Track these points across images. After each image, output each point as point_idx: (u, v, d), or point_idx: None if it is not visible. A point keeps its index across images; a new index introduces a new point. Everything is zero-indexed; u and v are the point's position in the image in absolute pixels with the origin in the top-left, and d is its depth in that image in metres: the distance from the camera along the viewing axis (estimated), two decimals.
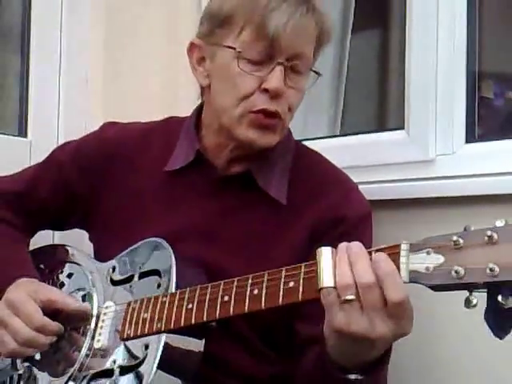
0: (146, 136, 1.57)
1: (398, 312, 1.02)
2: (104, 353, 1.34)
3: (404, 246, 1.02)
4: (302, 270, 1.11)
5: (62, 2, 2.07)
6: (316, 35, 1.41)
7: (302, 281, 1.10)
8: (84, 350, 1.36)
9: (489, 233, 0.96)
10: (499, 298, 0.95)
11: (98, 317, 1.39)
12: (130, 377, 1.27)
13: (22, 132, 2.07)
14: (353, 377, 1.14)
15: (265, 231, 1.42)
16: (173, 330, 1.25)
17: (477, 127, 1.72)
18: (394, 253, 1.03)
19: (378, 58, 2.68)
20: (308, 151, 1.56)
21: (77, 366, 1.35)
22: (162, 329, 1.26)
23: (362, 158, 1.78)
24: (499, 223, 0.97)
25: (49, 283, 1.49)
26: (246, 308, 1.15)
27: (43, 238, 1.69)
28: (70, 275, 1.51)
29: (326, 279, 1.05)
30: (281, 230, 1.42)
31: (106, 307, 1.39)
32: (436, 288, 1.00)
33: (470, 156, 1.64)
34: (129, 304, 1.33)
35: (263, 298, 1.13)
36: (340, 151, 1.74)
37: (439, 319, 1.61)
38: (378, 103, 2.67)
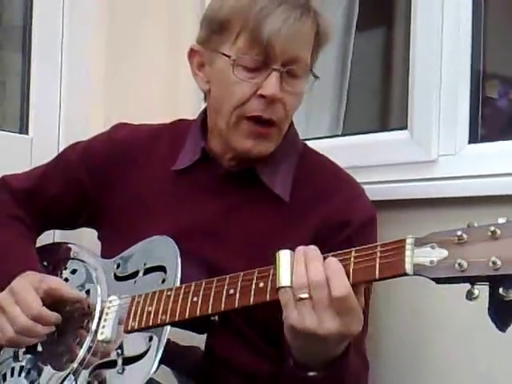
0: (154, 137, 1.59)
1: (343, 309, 1.09)
2: (107, 345, 1.34)
3: (409, 241, 1.06)
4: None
5: (64, 0, 2.06)
6: (313, 37, 1.42)
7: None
8: (87, 343, 1.37)
9: (492, 228, 0.99)
10: (500, 290, 0.98)
11: (101, 310, 1.39)
12: (133, 367, 1.28)
13: (23, 129, 2.07)
14: (311, 374, 1.20)
15: (268, 229, 1.43)
16: (177, 322, 1.27)
17: (480, 128, 1.71)
18: (399, 247, 1.06)
19: (382, 58, 2.67)
20: (314, 153, 1.56)
21: (79, 358, 1.36)
22: (167, 321, 1.27)
23: (365, 158, 1.78)
24: (501, 220, 1.00)
25: None
26: (252, 301, 1.18)
27: (44, 236, 1.69)
28: (73, 271, 1.52)
29: (284, 279, 1.12)
30: (284, 229, 1.42)
31: (110, 301, 1.40)
32: (439, 281, 1.03)
33: (472, 157, 1.63)
34: (133, 298, 1.34)
35: (268, 291, 1.16)
36: (342, 151, 1.73)
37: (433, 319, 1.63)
38: (381, 103, 2.66)
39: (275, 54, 1.35)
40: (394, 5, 2.69)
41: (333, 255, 1.12)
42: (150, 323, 1.29)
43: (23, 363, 1.44)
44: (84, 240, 1.67)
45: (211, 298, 1.23)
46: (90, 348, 1.36)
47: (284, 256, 1.13)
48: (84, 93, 2.09)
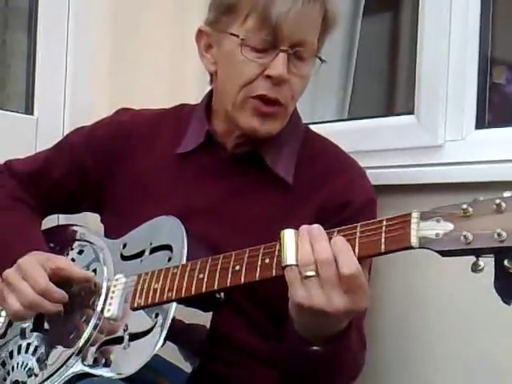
0: (158, 121, 1.60)
1: (351, 286, 1.09)
2: (114, 322, 1.35)
3: (415, 214, 1.06)
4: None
5: None
6: (320, 22, 1.43)
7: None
8: (94, 320, 1.38)
9: (497, 201, 1.00)
10: (506, 262, 0.99)
11: (107, 289, 1.40)
12: (139, 342, 1.29)
13: (29, 109, 2.07)
14: (314, 348, 1.22)
15: (272, 211, 1.44)
16: (183, 298, 1.28)
17: (487, 113, 1.70)
18: (405, 221, 1.06)
19: (389, 42, 2.66)
20: (317, 136, 1.58)
21: (86, 335, 1.37)
22: (173, 297, 1.28)
23: (371, 143, 1.77)
24: (507, 194, 1.01)
25: None
26: (257, 276, 1.19)
27: (48, 220, 1.70)
28: (80, 252, 1.53)
29: (290, 257, 1.12)
30: (287, 211, 1.43)
31: (117, 279, 1.41)
32: (444, 253, 1.03)
33: (479, 142, 1.63)
34: (139, 275, 1.36)
35: (274, 267, 1.17)
36: (348, 135, 1.73)
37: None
38: (387, 88, 2.65)
39: (283, 36, 1.37)
40: None
41: (338, 230, 1.13)
42: (156, 300, 1.30)
43: (30, 341, 1.44)
44: (88, 224, 1.67)
45: (217, 274, 1.24)
46: (96, 325, 1.37)
47: (288, 234, 1.14)
48: (89, 73, 2.09)
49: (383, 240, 1.07)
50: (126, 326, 1.33)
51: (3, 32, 2.19)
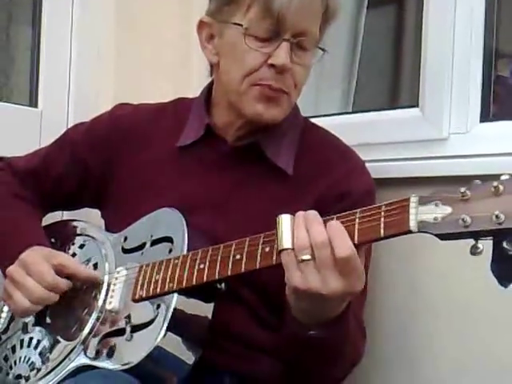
0: (156, 115, 1.60)
1: (346, 269, 1.11)
2: (115, 315, 1.36)
3: (413, 199, 1.07)
4: None
5: None
6: (322, 12, 1.43)
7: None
8: (96, 313, 1.39)
9: (495, 184, 1.00)
10: (504, 243, 0.99)
11: (109, 281, 1.41)
12: (141, 334, 1.29)
13: (33, 102, 2.07)
14: (312, 332, 1.23)
15: (272, 202, 1.44)
16: (184, 289, 1.28)
17: (492, 106, 1.70)
18: (403, 205, 1.07)
19: (393, 35, 2.65)
20: (315, 127, 1.59)
21: (88, 328, 1.38)
22: (174, 288, 1.29)
23: (375, 136, 1.77)
24: (504, 177, 1.02)
25: None
26: (258, 265, 1.20)
27: (51, 216, 1.70)
28: (81, 246, 1.54)
29: (286, 241, 1.13)
30: (288, 202, 1.43)
31: (118, 272, 1.42)
32: (443, 237, 1.04)
33: (483, 135, 1.63)
34: (141, 267, 1.37)
35: (274, 255, 1.18)
36: (352, 128, 1.73)
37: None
38: (392, 80, 2.65)
39: (286, 26, 1.37)
40: None
41: (338, 217, 1.14)
42: (158, 291, 1.31)
43: (32, 335, 1.45)
44: (91, 219, 1.67)
45: (218, 264, 1.25)
46: (98, 318, 1.38)
47: (284, 219, 1.15)
48: (93, 65, 2.09)
49: (382, 225, 1.08)
50: (128, 317, 1.33)
51: (7, 25, 2.18)
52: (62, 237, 1.58)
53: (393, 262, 1.66)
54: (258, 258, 1.20)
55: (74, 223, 1.62)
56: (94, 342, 1.35)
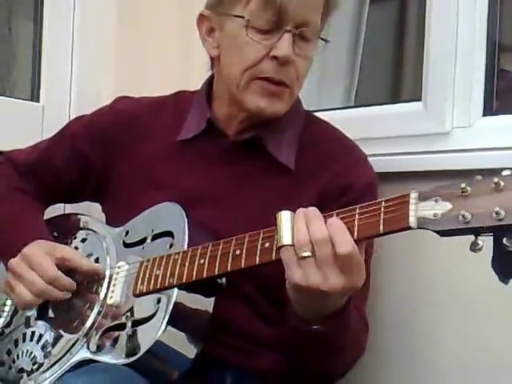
0: (157, 108, 1.59)
1: (347, 265, 1.10)
2: (116, 309, 1.36)
3: (413, 195, 1.06)
4: None
5: None
6: (323, 2, 1.43)
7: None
8: (97, 308, 1.39)
9: (495, 180, 0.99)
10: (504, 240, 0.99)
11: (110, 276, 1.41)
12: (142, 328, 1.29)
13: (35, 97, 2.06)
14: (313, 327, 1.22)
15: (273, 197, 1.43)
16: (185, 284, 1.28)
17: (495, 100, 1.70)
18: (403, 201, 1.06)
19: (396, 29, 2.64)
20: (317, 120, 1.58)
21: (90, 322, 1.38)
22: (174, 283, 1.29)
23: (378, 130, 1.76)
24: (505, 172, 1.00)
25: None
26: (257, 260, 1.20)
27: (54, 209, 1.70)
28: (83, 240, 1.54)
29: (285, 238, 1.13)
30: (289, 196, 1.43)
31: (119, 267, 1.42)
32: (443, 233, 1.03)
33: (487, 129, 1.62)
34: (141, 262, 1.36)
35: (274, 251, 1.17)
36: (355, 122, 1.72)
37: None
38: (394, 75, 2.64)
39: (288, 17, 1.36)
40: None
41: (337, 213, 1.13)
42: (158, 286, 1.31)
43: (34, 329, 1.45)
44: (92, 213, 1.67)
45: (218, 260, 1.25)
46: (99, 312, 1.38)
47: (284, 216, 1.14)
48: (95, 60, 2.09)
49: (382, 221, 1.08)
50: (129, 312, 1.34)
51: (9, 19, 2.18)
52: (64, 230, 1.58)
53: (395, 257, 1.66)
54: (258, 253, 1.20)
55: (76, 217, 1.61)
56: (95, 337, 1.35)
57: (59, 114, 2.00)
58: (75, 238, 1.55)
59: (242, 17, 1.38)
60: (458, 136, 1.65)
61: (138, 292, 1.34)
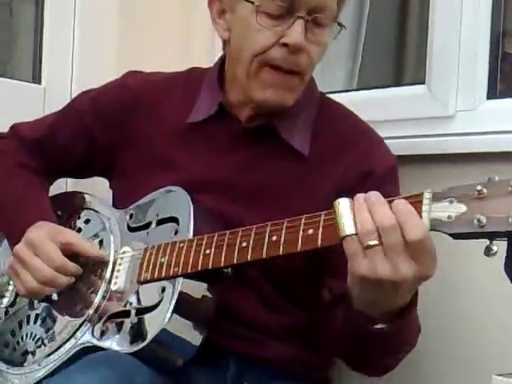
0: (167, 86, 1.55)
1: (419, 252, 1.02)
2: (120, 295, 1.35)
3: (427, 195, 1.02)
4: (322, 218, 1.12)
5: None
6: None
7: (321, 228, 1.11)
8: (101, 293, 1.38)
9: None
10: None
11: (114, 261, 1.40)
12: (146, 317, 1.28)
13: (36, 79, 2.06)
14: (378, 326, 1.14)
15: (286, 184, 1.41)
16: (190, 274, 1.27)
17: (499, 83, 1.69)
18: (416, 201, 1.03)
19: (399, 11, 2.62)
20: (332, 103, 1.54)
21: (94, 307, 1.37)
22: (179, 273, 1.27)
23: (381, 113, 1.75)
24: None
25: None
26: (264, 254, 1.17)
27: (56, 185, 1.69)
28: (87, 221, 1.52)
29: (348, 227, 1.04)
30: (303, 183, 1.40)
31: (123, 252, 1.40)
32: (457, 236, 1.00)
33: (491, 112, 1.62)
34: (146, 249, 1.35)
35: (281, 245, 1.15)
36: (357, 105, 1.70)
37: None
38: (397, 57, 2.63)
39: (300, 2, 1.30)
40: None
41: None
42: (163, 274, 1.30)
43: (39, 311, 1.45)
44: (96, 189, 1.66)
45: (224, 251, 1.23)
46: (103, 297, 1.37)
47: (343, 203, 1.06)
48: (97, 42, 2.08)
49: None
50: (133, 299, 1.32)
51: (11, 2, 2.17)
52: (67, 209, 1.56)
53: None
54: (265, 247, 1.17)
55: (80, 196, 1.59)
56: (99, 322, 1.34)
57: (61, 96, 1.98)
58: (79, 218, 1.54)
59: (252, 2, 1.33)
60: (461, 119, 1.64)
61: (142, 279, 1.32)
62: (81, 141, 1.57)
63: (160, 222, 1.38)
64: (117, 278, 1.37)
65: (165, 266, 1.29)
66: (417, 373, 1.65)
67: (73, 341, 1.36)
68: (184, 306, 1.27)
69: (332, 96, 1.78)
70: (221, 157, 1.44)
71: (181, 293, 1.27)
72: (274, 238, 1.17)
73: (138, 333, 1.28)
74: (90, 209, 1.54)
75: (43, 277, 1.36)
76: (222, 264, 1.23)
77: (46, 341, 1.40)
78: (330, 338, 1.34)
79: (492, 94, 1.66)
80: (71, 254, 1.39)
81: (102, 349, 1.30)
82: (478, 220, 0.97)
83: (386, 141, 1.54)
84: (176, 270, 1.28)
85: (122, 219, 1.46)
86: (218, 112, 1.45)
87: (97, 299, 1.37)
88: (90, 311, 1.37)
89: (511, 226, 0.95)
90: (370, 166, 1.41)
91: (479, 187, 0.98)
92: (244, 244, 1.20)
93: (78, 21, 2.07)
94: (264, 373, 1.41)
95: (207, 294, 1.31)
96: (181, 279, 1.28)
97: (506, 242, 0.99)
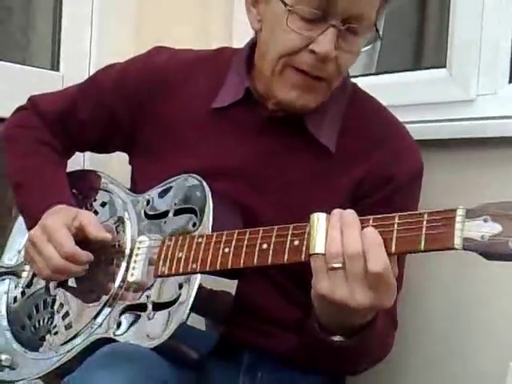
0: (194, 66, 1.50)
1: (377, 284, 1.05)
2: (137, 287, 1.34)
3: (460, 212, 0.99)
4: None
5: None
6: None
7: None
8: (118, 281, 1.36)
9: None
10: None
11: (131, 249, 1.38)
12: (163, 313, 1.26)
13: (55, 66, 2.06)
14: (336, 339, 1.18)
15: (309, 178, 1.38)
16: (208, 272, 1.25)
17: None
18: (448, 217, 0.99)
19: None
20: (365, 97, 1.48)
21: (111, 294, 1.36)
22: (197, 270, 1.25)
23: (400, 97, 1.74)
24: None
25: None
26: (286, 259, 1.14)
27: (74, 161, 1.68)
28: (103, 204, 1.50)
29: (318, 246, 1.07)
30: (326, 179, 1.37)
31: (140, 241, 1.38)
32: (490, 257, 0.96)
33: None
34: (163, 240, 1.33)
35: (303, 251, 1.12)
36: (376, 90, 1.68)
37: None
38: (417, 41, 2.60)
39: (336, 10, 1.24)
40: None
41: (374, 219, 1.06)
42: (181, 270, 1.27)
43: (55, 297, 1.44)
44: (113, 166, 1.65)
45: (243, 252, 1.20)
46: (120, 287, 1.36)
47: (320, 220, 1.08)
48: (115, 29, 2.08)
49: (423, 237, 1.00)
50: (150, 292, 1.30)
51: None
52: (83, 189, 1.54)
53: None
54: (286, 251, 1.14)
55: (97, 176, 1.56)
56: (116, 313, 1.33)
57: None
58: (95, 200, 1.52)
59: (286, 3, 1.26)
60: (482, 103, 1.63)
61: (159, 273, 1.30)
62: (102, 117, 1.54)
63: (177, 212, 1.35)
64: (134, 268, 1.36)
65: (183, 261, 1.27)
66: (443, 358, 1.65)
67: (89, 331, 1.35)
68: (201, 302, 1.24)
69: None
70: (244, 144, 1.40)
71: (199, 289, 1.25)
72: (296, 242, 1.14)
73: (155, 328, 1.26)
74: (106, 191, 1.51)
75: (54, 265, 1.35)
76: (242, 265, 1.20)
77: (62, 328, 1.40)
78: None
79: None
80: (86, 239, 1.38)
81: (117, 341, 1.29)
82: None
83: (406, 125, 1.53)
84: (194, 266, 1.25)
85: (138, 205, 1.43)
86: (244, 98, 1.41)
87: (113, 289, 1.36)
88: (107, 301, 1.35)
89: None
90: (393, 170, 1.37)
91: None
92: (264, 246, 1.17)
93: (95, 7, 2.07)
94: (278, 365, 1.40)
95: (225, 288, 1.29)
96: (199, 276, 1.25)
97: None
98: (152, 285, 1.31)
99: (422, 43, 2.55)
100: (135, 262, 1.36)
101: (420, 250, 1.01)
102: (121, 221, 1.44)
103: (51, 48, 2.09)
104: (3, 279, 1.57)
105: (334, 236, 1.06)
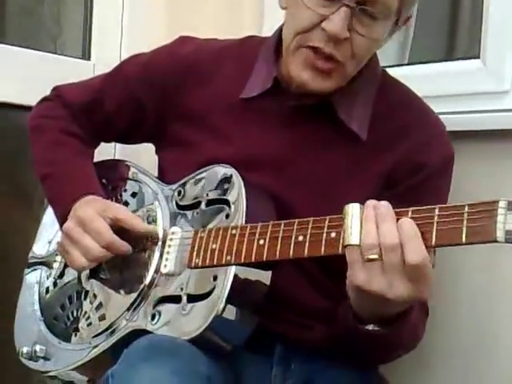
0: (221, 56, 1.49)
1: (415, 275, 1.04)
2: (171, 278, 1.32)
3: (502, 204, 0.96)
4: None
5: None
6: None
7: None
8: (151, 273, 1.35)
9: None
10: None
11: (164, 241, 1.37)
12: (198, 305, 1.25)
13: (86, 55, 2.06)
14: (370, 328, 1.18)
15: (339, 167, 1.37)
16: (242, 264, 1.23)
17: None
18: (490, 209, 0.97)
19: None
20: (395, 84, 1.47)
21: (144, 286, 1.35)
22: (232, 261, 1.24)
23: (433, 88, 1.71)
24: None
25: (112, 201, 1.48)
26: (323, 251, 1.13)
27: (105, 152, 1.69)
28: (134, 194, 1.49)
29: (353, 237, 1.06)
30: (356, 168, 1.36)
31: (173, 233, 1.37)
32: None
33: None
34: (196, 232, 1.32)
35: (341, 243, 1.11)
36: (409, 80, 1.66)
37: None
38: (450, 31, 2.57)
39: None
40: None
41: (413, 211, 1.04)
42: (215, 262, 1.26)
43: (88, 288, 1.44)
44: (141, 157, 1.65)
45: (279, 243, 1.19)
46: (154, 279, 1.35)
47: (354, 210, 1.06)
48: (146, 18, 2.08)
49: (464, 229, 0.99)
50: (184, 285, 1.29)
51: None
52: (113, 179, 1.54)
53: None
54: (323, 243, 1.13)
55: (125, 165, 1.55)
56: (149, 305, 1.32)
57: None
58: (125, 190, 1.51)
59: None
60: None
61: (193, 265, 1.29)
62: (128, 108, 1.54)
63: (210, 203, 1.34)
64: (167, 260, 1.35)
65: (216, 253, 1.26)
66: (469, 350, 1.64)
67: (123, 323, 1.35)
68: (236, 293, 1.23)
69: None
70: (274, 133, 1.39)
71: (233, 280, 1.23)
72: (333, 234, 1.13)
73: (190, 320, 1.25)
74: (136, 181, 1.51)
75: (93, 255, 1.35)
76: (278, 257, 1.19)
77: (95, 320, 1.40)
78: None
79: None
80: (120, 229, 1.37)
81: (150, 333, 1.28)
82: None
83: (439, 116, 1.51)
84: (228, 258, 1.24)
85: (169, 195, 1.42)
86: (272, 87, 1.40)
87: (147, 280, 1.35)
88: (140, 292, 1.35)
89: None
90: (425, 157, 1.36)
91: None
92: (300, 238, 1.16)
93: None
94: (310, 356, 1.39)
95: (259, 279, 1.27)
96: (233, 268, 1.24)
97: None
98: (186, 277, 1.30)
99: (456, 33, 2.52)
100: (168, 253, 1.35)
101: (461, 242, 0.99)
102: (151, 211, 1.43)
103: (82, 37, 2.09)
104: (35, 269, 1.57)
105: (369, 226, 1.05)
